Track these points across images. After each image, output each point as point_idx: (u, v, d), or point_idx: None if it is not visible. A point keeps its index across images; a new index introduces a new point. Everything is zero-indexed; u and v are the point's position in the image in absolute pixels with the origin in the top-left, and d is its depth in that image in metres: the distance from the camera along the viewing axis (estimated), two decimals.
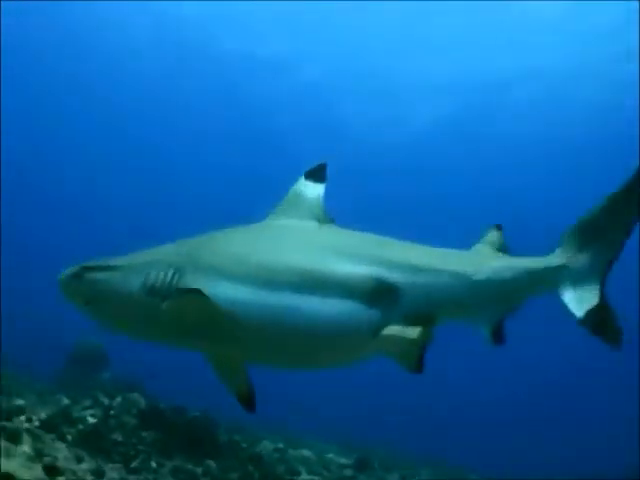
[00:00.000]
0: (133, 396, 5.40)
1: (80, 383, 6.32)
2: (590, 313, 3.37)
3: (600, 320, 3.39)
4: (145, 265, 3.02)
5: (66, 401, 5.41)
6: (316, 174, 3.64)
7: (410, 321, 3.22)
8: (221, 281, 2.96)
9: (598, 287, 3.45)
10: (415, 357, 3.22)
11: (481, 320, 3.66)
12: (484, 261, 3.65)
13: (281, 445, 6.01)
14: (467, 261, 3.61)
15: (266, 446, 5.75)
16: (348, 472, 5.76)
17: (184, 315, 2.89)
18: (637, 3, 18.14)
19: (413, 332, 3.17)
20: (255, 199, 4.05)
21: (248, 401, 3.39)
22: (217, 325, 2.92)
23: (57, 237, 25.33)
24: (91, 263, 3.08)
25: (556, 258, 3.57)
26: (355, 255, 3.31)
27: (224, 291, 2.92)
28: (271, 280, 3.01)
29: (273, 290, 2.98)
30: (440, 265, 3.46)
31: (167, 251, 3.18)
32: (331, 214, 3.63)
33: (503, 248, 3.84)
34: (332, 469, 5.78)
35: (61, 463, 4.05)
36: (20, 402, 4.79)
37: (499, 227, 3.94)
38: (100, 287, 3.01)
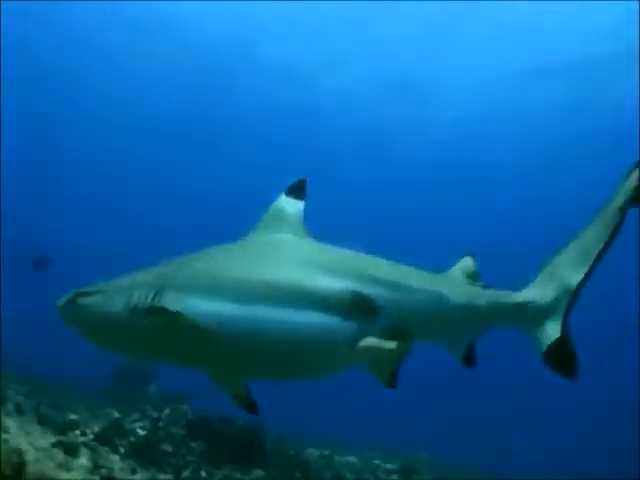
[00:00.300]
0: (181, 407, 5.50)
1: (128, 396, 6.45)
2: (551, 347, 3.55)
3: (560, 354, 3.57)
4: (129, 287, 3.22)
5: (116, 414, 5.54)
6: (296, 190, 3.76)
7: (387, 335, 3.30)
8: (199, 297, 3.10)
9: (560, 320, 3.64)
10: (390, 371, 3.30)
11: (453, 342, 3.84)
12: (460, 286, 3.81)
13: (327, 452, 6.02)
14: (443, 284, 3.77)
15: (312, 453, 5.77)
16: (395, 477, 5.74)
17: (162, 331, 3.03)
18: (637, 3, 18.05)
19: (390, 345, 3.23)
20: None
21: (248, 405, 3.53)
22: (195, 339, 3.05)
23: (58, 236, 25.58)
24: (84, 289, 3.30)
25: (525, 294, 3.80)
26: (332, 269, 3.44)
27: (201, 307, 3.06)
28: (248, 295, 3.17)
29: (250, 304, 3.13)
30: (418, 284, 3.63)
31: (150, 272, 3.37)
32: (310, 229, 3.76)
33: (476, 275, 4.02)
34: (379, 475, 5.76)
35: (117, 474, 4.16)
36: (73, 416, 4.94)
37: (472, 254, 4.11)
38: (90, 311, 3.21)
